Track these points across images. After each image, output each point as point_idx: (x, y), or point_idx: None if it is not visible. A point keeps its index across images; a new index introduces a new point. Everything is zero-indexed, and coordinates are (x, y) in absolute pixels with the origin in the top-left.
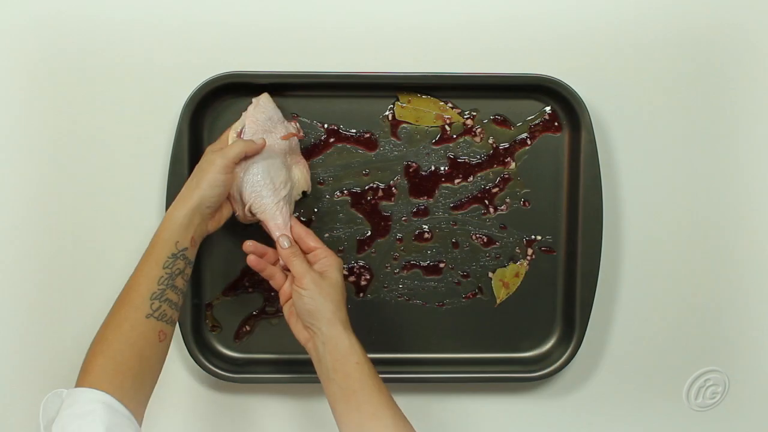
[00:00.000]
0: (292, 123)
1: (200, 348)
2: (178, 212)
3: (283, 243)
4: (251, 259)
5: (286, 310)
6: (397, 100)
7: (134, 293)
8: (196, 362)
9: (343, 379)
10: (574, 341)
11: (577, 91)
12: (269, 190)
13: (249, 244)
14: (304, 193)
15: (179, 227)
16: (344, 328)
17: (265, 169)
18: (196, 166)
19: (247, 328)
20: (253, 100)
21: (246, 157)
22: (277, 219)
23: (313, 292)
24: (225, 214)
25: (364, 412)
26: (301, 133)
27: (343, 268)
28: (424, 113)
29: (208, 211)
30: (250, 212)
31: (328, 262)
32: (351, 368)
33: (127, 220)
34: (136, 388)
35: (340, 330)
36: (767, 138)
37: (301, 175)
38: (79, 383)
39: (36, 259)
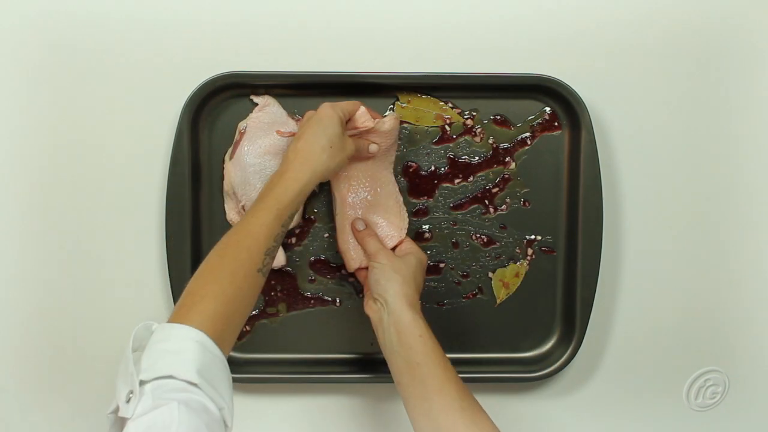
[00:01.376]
0: (299, 123)
1: None
2: (311, 178)
3: (358, 225)
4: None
5: (365, 291)
6: (397, 100)
7: (253, 245)
8: None
9: (406, 352)
10: (574, 341)
11: (577, 91)
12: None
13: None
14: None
15: (308, 189)
16: (408, 303)
17: (256, 173)
18: (334, 131)
19: (247, 328)
20: (259, 101)
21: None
22: None
23: (384, 266)
24: None
25: (429, 385)
26: None
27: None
28: (424, 113)
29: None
30: (243, 210)
31: (413, 251)
32: (414, 341)
33: (127, 220)
34: (230, 336)
35: (404, 304)
36: (767, 137)
37: None
38: (177, 321)
39: (35, 259)
